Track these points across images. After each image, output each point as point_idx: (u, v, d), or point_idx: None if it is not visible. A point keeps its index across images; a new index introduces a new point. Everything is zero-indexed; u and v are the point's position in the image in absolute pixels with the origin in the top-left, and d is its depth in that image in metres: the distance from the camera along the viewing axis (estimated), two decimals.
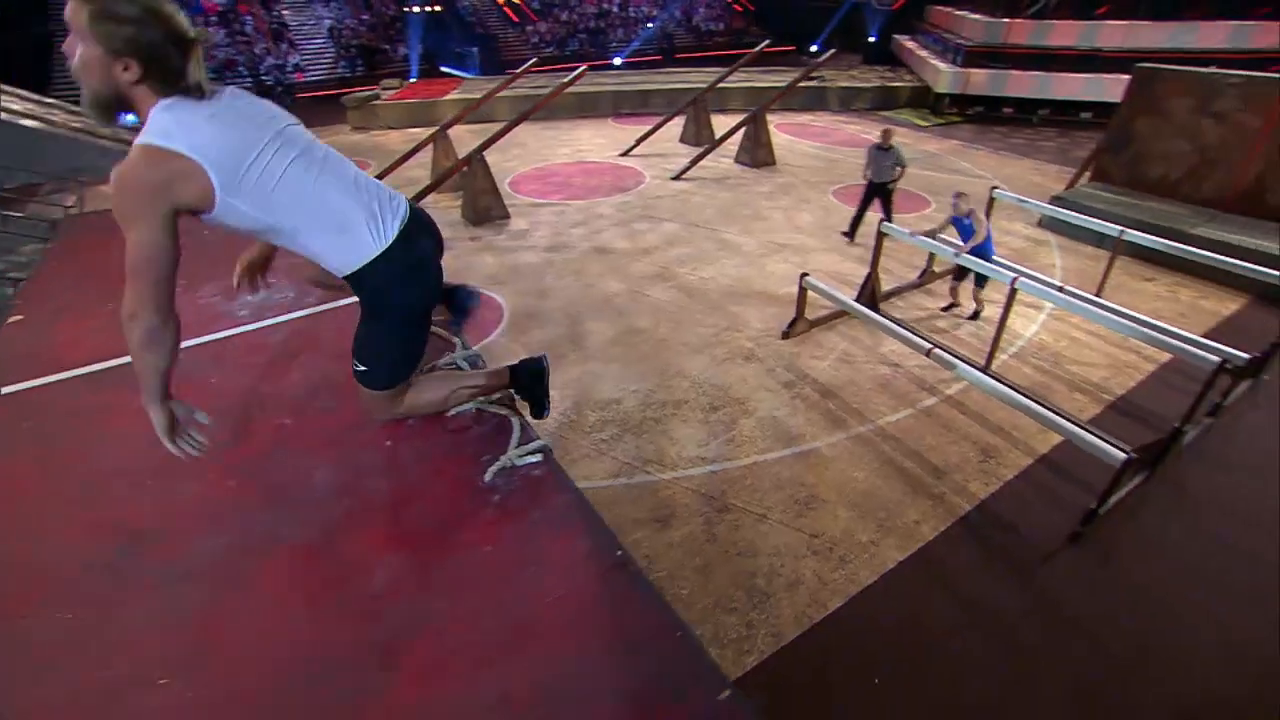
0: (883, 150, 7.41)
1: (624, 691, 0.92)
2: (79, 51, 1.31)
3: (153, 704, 0.95)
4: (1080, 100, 14.66)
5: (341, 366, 1.68)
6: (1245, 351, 4.51)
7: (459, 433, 1.54)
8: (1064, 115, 14.91)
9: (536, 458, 1.38)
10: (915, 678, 3.03)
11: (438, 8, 21.73)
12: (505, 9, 22.85)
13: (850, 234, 8.09)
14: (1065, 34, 14.70)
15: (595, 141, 12.79)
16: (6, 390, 1.72)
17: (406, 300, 1.70)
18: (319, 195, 1.52)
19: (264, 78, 18.67)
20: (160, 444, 1.31)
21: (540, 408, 1.85)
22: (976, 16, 15.81)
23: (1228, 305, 6.59)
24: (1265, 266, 5.75)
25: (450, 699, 0.92)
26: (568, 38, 23.07)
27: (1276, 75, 7.88)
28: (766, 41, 13.78)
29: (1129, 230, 6.39)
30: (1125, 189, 8.71)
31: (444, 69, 18.32)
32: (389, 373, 1.73)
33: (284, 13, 20.69)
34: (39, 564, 1.22)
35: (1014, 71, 14.86)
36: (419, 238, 1.70)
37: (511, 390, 1.83)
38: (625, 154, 11.57)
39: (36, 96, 13.30)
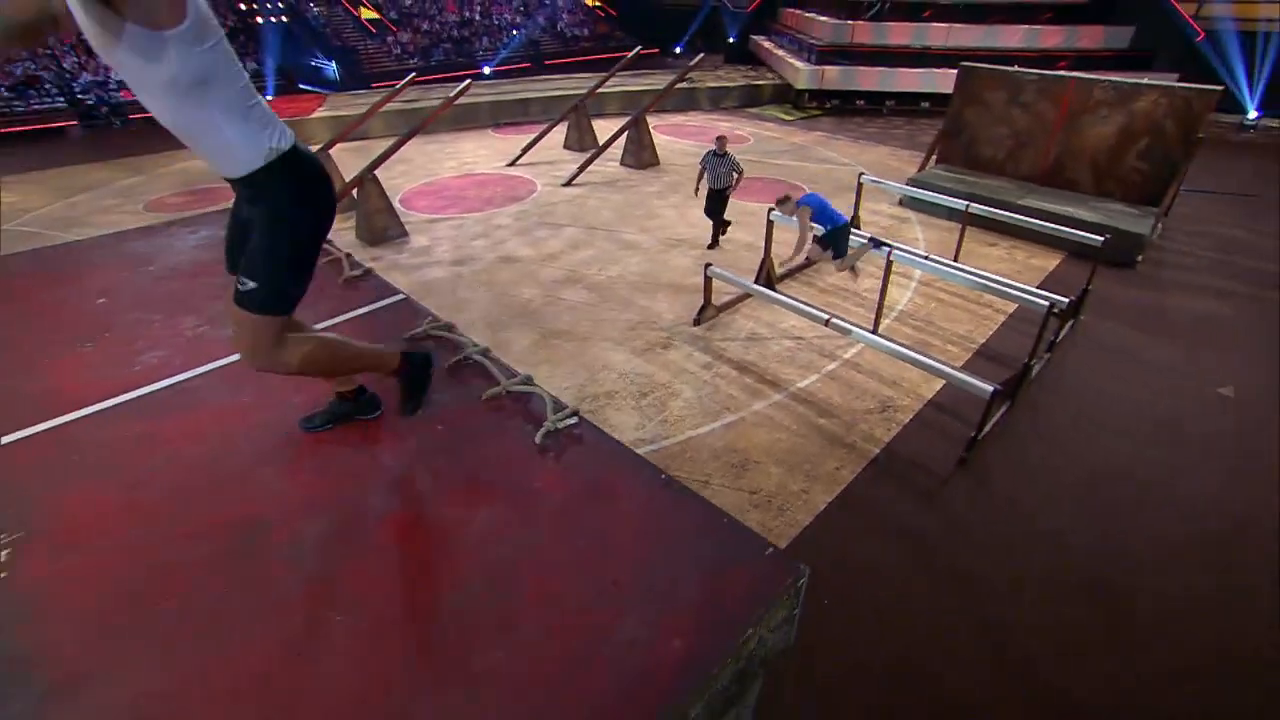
0: (719, 157, 7.53)
1: (698, 561, 1.20)
2: None
3: (341, 631, 1.11)
4: (919, 92, 16.46)
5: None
6: (1066, 298, 5.49)
7: (494, 413, 1.72)
8: (908, 105, 16.66)
9: (573, 419, 1.60)
10: (856, 594, 3.49)
11: (284, 19, 20.52)
12: (362, 20, 21.97)
13: (715, 243, 8.14)
14: (900, 34, 16.45)
15: (480, 153, 12.72)
16: (22, 433, 1.70)
17: (308, 211, 1.79)
18: (240, 75, 1.68)
19: (82, 96, 16.65)
20: (236, 454, 1.44)
21: (414, 404, 1.84)
22: (824, 18, 17.27)
23: (1051, 261, 7.81)
24: (1073, 229, 6.95)
25: (573, 592, 1.16)
26: (431, 47, 22.58)
27: (1063, 73, 9.37)
28: (640, 48, 14.31)
29: (973, 204, 7.41)
30: (964, 169, 10.00)
31: (302, 86, 17.38)
32: (276, 294, 1.73)
33: None
34: (182, 560, 1.31)
35: (861, 67, 16.39)
36: (310, 155, 1.84)
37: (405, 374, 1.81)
38: (512, 164, 11.63)
39: None
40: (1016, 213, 7.66)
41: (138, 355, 2.09)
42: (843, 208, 8.97)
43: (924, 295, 6.93)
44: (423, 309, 2.34)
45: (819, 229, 5.98)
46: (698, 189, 7.78)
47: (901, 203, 9.77)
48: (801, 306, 5.56)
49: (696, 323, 6.29)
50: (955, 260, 7.16)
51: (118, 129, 16.26)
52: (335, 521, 1.43)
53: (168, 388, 1.94)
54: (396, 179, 10.95)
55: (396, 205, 9.18)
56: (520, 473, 1.51)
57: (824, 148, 13.43)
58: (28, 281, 2.64)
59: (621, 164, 11.35)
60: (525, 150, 11.74)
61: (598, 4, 28.03)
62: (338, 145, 9.61)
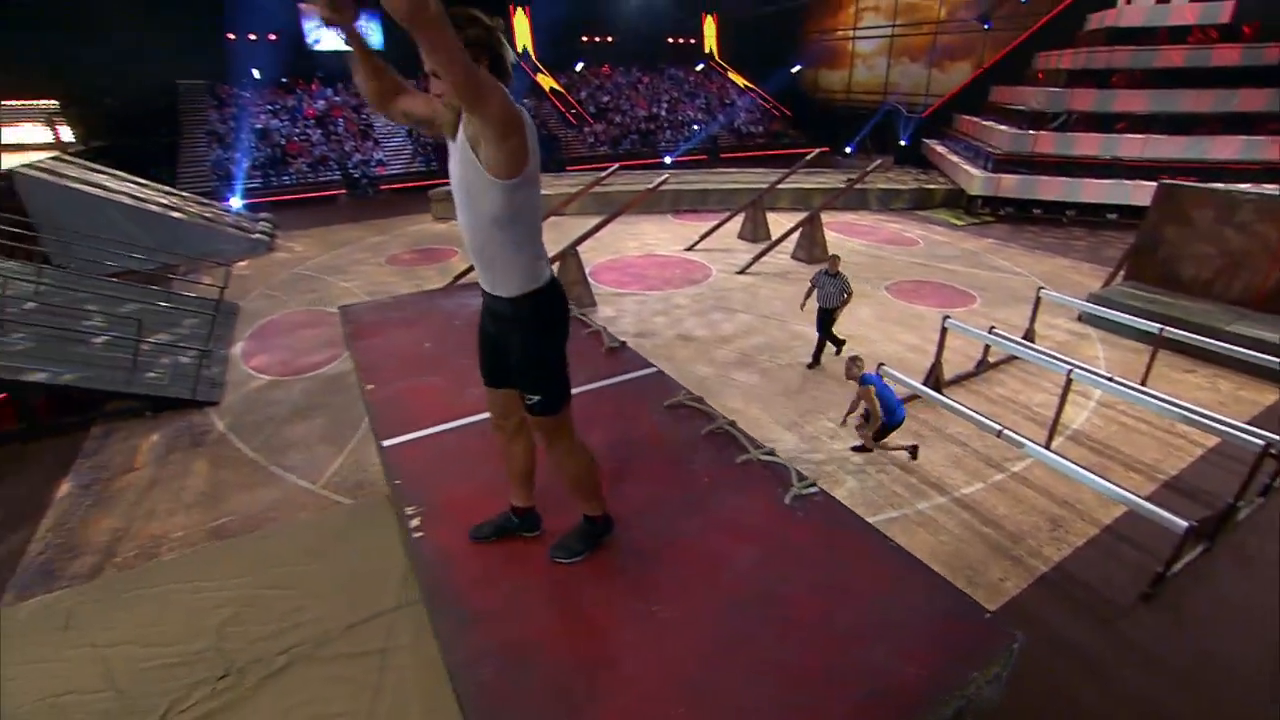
0: (830, 276, 7.54)
1: (924, 613, 1.69)
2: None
3: (660, 619, 1.75)
4: (1106, 203, 15.78)
5: (627, 430, 2.51)
6: None
7: (746, 473, 2.35)
8: (1092, 216, 15.98)
9: (814, 489, 2.19)
10: (1019, 701, 3.62)
11: None
12: (565, 113, 25.27)
13: (816, 361, 7.94)
14: (1088, 144, 15.98)
15: (660, 236, 14.10)
16: (406, 438, 2.59)
17: (559, 329, 2.08)
18: (539, 216, 2.04)
19: (351, 171, 20.78)
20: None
21: (569, 551, 2.04)
22: (1004, 127, 17.25)
23: (1266, 396, 7.22)
24: None
25: (824, 622, 1.67)
26: (621, 138, 25.31)
27: None
28: (820, 149, 15.24)
29: (1169, 328, 7.13)
30: (1159, 287, 9.50)
31: None
32: (562, 390, 2.03)
33: (370, 115, 23.22)
34: (534, 549, 2.05)
35: (1042, 177, 16.09)
36: (559, 284, 2.12)
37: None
38: (690, 248, 12.79)
39: (171, 189, 15.20)
40: (1224, 339, 7.24)
41: (465, 389, 2.94)
42: (1015, 318, 9.07)
43: (1103, 417, 6.76)
44: (675, 383, 3.05)
45: (878, 409, 5.67)
46: (804, 304, 7.86)
47: (1081, 318, 9.49)
48: (972, 414, 5.76)
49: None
50: (1143, 384, 6.94)
51: (372, 196, 20.08)
52: (643, 535, 2.08)
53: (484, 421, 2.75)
54: (586, 253, 12.42)
55: (588, 278, 10.52)
56: (774, 524, 2.06)
57: (996, 255, 13.28)
58: (371, 327, 3.71)
59: (793, 257, 12.06)
60: (703, 237, 12.87)
61: (772, 103, 29.82)
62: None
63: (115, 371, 7.17)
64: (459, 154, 1.90)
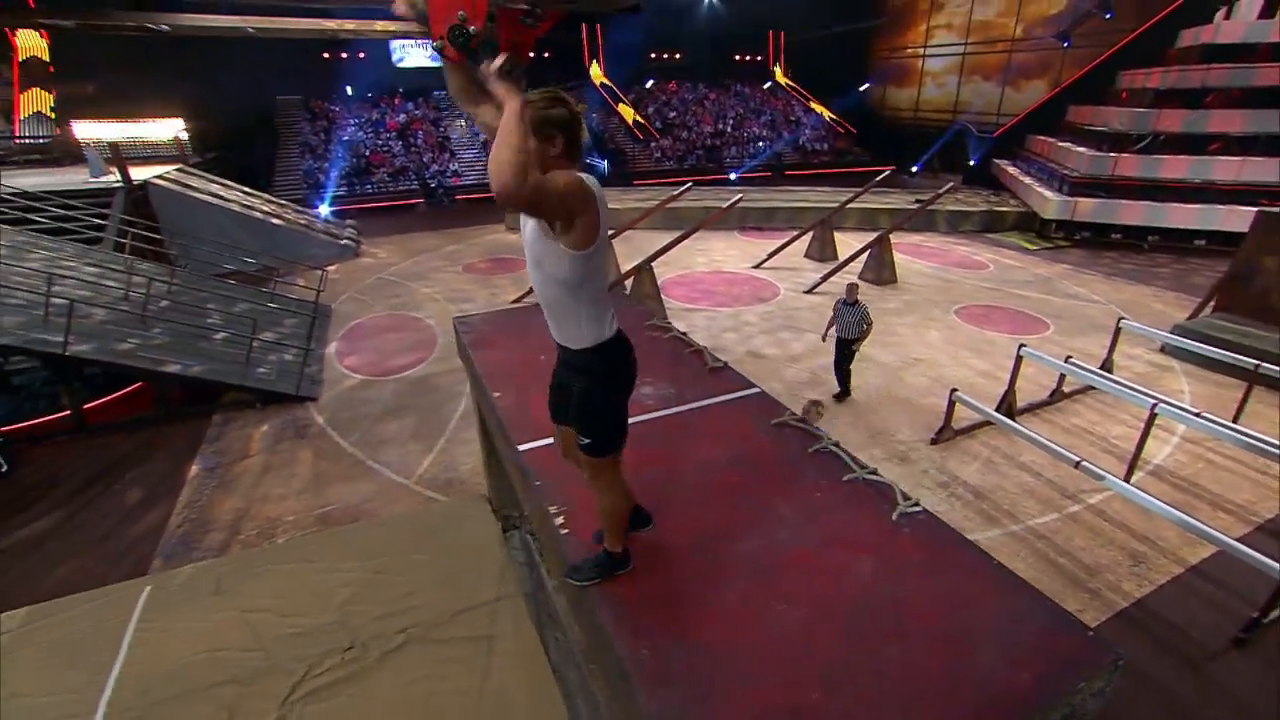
0: (849, 305, 7.21)
1: (1030, 625, 1.89)
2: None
3: (790, 618, 1.99)
4: (1194, 229, 15.13)
5: (738, 446, 2.76)
6: None
7: (853, 490, 2.56)
8: (1177, 242, 15.34)
9: (918, 508, 2.40)
10: None
11: None
12: (633, 128, 25.84)
13: (845, 391, 7.70)
14: (1175, 168, 15.36)
15: (728, 253, 14.34)
16: (538, 443, 2.91)
17: (630, 375, 2.21)
18: (605, 278, 2.16)
19: (429, 181, 21.85)
20: (684, 482, 2.42)
21: (583, 575, 2.19)
22: (1082, 149, 16.74)
23: None
24: None
25: (938, 630, 1.86)
26: (687, 154, 25.71)
27: None
28: (890, 169, 15.22)
29: (1265, 364, 6.87)
30: (1254, 320, 9.07)
31: None
32: (614, 438, 2.15)
33: (447, 128, 24.36)
34: (672, 542, 2.32)
35: (1124, 202, 15.55)
36: (625, 340, 2.21)
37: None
38: (758, 266, 12.98)
39: (270, 197, 16.38)
40: None
41: None
42: (1091, 347, 8.92)
43: (1188, 454, 6.61)
44: (778, 403, 3.29)
45: None
46: (825, 336, 7.54)
47: (1164, 349, 9.21)
48: (1048, 444, 5.76)
49: (934, 442, 6.70)
50: (1235, 421, 6.74)
51: (447, 206, 21.07)
52: (767, 543, 2.27)
53: None
54: (656, 267, 12.81)
55: (660, 292, 10.84)
56: (884, 539, 2.25)
57: (1071, 281, 12.95)
58: (487, 338, 4.06)
59: (860, 278, 12.09)
60: (771, 255, 13.05)
61: (838, 121, 29.68)
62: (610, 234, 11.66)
63: (232, 366, 7.89)
64: (536, 232, 2.01)
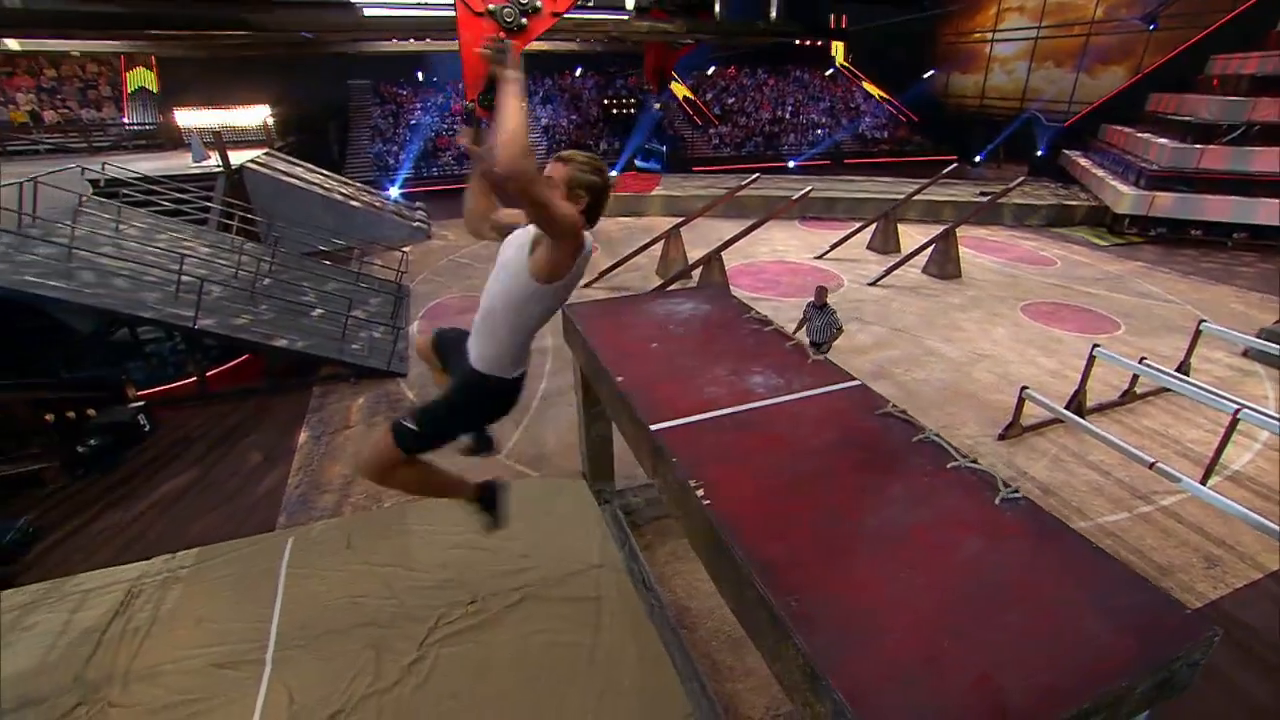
0: (818, 309, 7.00)
1: (1130, 601, 2.15)
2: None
3: (915, 583, 2.31)
4: None
5: (847, 432, 3.03)
6: None
7: (956, 478, 2.80)
8: (1265, 240, 14.68)
9: (1018, 494, 2.66)
10: None
11: (634, 110, 25.22)
12: (692, 114, 25.88)
13: None
14: (1270, 160, 14.61)
15: (790, 243, 14.43)
16: (667, 424, 3.25)
17: (489, 415, 2.49)
18: (549, 317, 2.44)
19: None
20: (794, 466, 2.74)
21: (493, 521, 2.66)
22: (1163, 141, 16.08)
23: None
24: None
25: (1047, 599, 2.08)
26: (745, 140, 25.63)
27: None
28: (956, 162, 14.99)
29: None
30: None
31: (639, 165, 21.20)
32: (421, 442, 2.32)
33: None
34: (793, 515, 2.64)
35: (1208, 196, 14.94)
36: (514, 388, 2.44)
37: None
38: (820, 257, 13.06)
39: (344, 181, 17.17)
40: None
41: (704, 387, 3.55)
42: (1163, 349, 8.81)
43: (1271, 460, 6.56)
44: (879, 395, 3.54)
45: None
46: (794, 335, 7.22)
47: (1247, 353, 9.01)
48: (1121, 444, 5.85)
49: (1001, 437, 6.83)
50: None
51: None
52: (885, 519, 2.54)
53: (730, 415, 3.32)
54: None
55: (728, 281, 11.08)
56: (990, 519, 2.48)
57: (1144, 280, 12.62)
58: (597, 325, 4.26)
59: (924, 271, 12.08)
60: (834, 246, 13.10)
61: (899, 108, 29.03)
62: (660, 217, 11.88)
63: (329, 341, 8.53)
64: (518, 239, 2.27)
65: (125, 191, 10.58)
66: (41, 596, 4.24)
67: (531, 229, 2.23)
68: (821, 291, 7.08)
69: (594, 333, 4.22)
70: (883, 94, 29.42)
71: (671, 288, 10.31)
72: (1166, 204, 15.37)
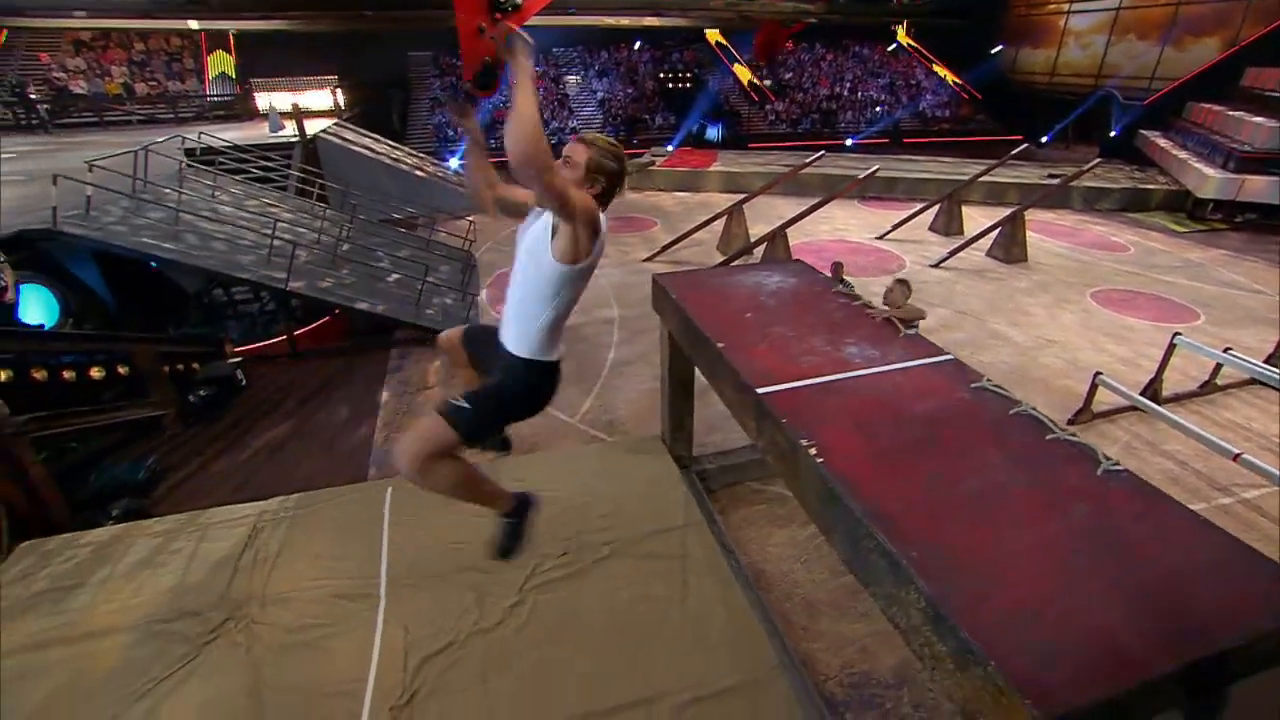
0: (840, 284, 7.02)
1: (1237, 570, 2.24)
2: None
3: (1018, 546, 2.45)
4: None
5: (945, 404, 3.13)
6: None
7: (1057, 449, 2.89)
8: None
9: (1119, 466, 2.75)
10: None
11: (690, 85, 24.99)
12: (748, 90, 25.49)
13: None
14: None
15: (851, 222, 14.25)
16: (773, 388, 3.40)
17: (540, 401, 2.45)
18: (576, 300, 2.41)
19: (550, 139, 22.58)
20: (891, 436, 2.88)
21: (507, 547, 2.62)
22: (1260, 120, 15.16)
23: None
24: None
25: (1152, 561, 2.19)
26: (802, 117, 25.15)
27: None
28: (1025, 144, 14.52)
29: None
30: None
31: (710, 137, 20.95)
32: (475, 426, 2.27)
33: (566, 86, 24.95)
34: (908, 477, 2.78)
35: None
36: (555, 372, 2.44)
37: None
38: (881, 237, 12.90)
39: (409, 151, 17.59)
40: None
41: (796, 358, 3.65)
42: (1247, 340, 8.51)
43: None
44: (973, 369, 3.62)
45: None
46: None
47: None
48: (1204, 435, 5.76)
49: (1071, 423, 6.77)
50: None
51: None
52: (990, 482, 2.62)
53: (830, 382, 3.45)
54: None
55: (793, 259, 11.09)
56: (1094, 488, 2.58)
57: (1227, 269, 12.07)
58: (689, 295, 4.33)
59: (988, 254, 11.83)
60: (896, 226, 12.92)
61: (962, 85, 27.99)
62: (717, 193, 11.83)
63: (405, 305, 8.91)
64: (537, 226, 2.26)
65: (218, 159, 11.14)
66: (180, 526, 4.69)
67: (546, 215, 2.26)
68: (838, 268, 7.02)
69: (689, 301, 4.37)
70: (945, 70, 28.38)
71: (734, 264, 10.39)
72: (1258, 188, 14.56)
